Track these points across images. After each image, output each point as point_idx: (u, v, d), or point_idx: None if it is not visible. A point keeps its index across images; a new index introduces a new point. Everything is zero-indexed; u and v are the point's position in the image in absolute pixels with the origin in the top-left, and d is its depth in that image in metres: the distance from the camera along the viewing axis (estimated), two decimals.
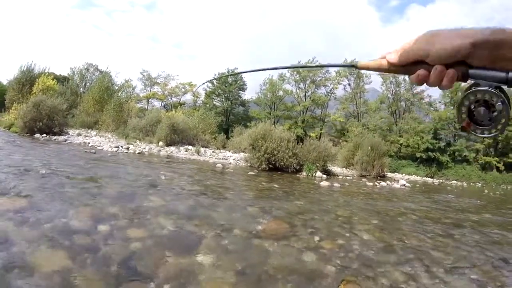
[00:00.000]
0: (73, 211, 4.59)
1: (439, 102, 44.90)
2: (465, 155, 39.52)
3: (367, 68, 0.82)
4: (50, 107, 19.70)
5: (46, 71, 31.91)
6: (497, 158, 39.25)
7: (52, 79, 29.53)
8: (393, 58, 0.76)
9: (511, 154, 39.36)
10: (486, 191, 22.50)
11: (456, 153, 39.72)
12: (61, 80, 35.24)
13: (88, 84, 39.69)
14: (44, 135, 18.51)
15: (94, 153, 13.17)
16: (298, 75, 45.37)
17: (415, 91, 43.19)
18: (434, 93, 45.88)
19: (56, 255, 3.21)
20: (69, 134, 20.48)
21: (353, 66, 0.85)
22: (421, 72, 0.73)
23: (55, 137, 18.28)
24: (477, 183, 33.78)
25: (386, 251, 4.67)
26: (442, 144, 40.03)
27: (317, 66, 1.12)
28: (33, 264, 2.98)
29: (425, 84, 0.73)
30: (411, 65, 0.75)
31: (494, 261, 4.83)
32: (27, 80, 28.96)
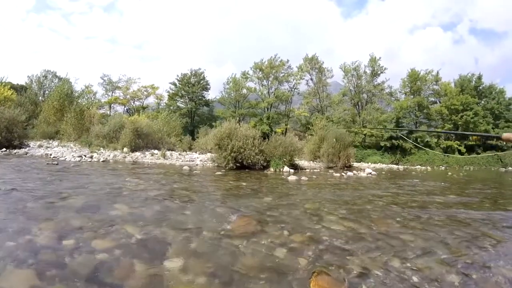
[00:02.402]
0: (36, 227, 4.44)
1: (400, 92, 46.27)
2: (428, 141, 40.89)
3: (508, 140, 0.99)
4: (8, 119, 19.03)
5: (2, 81, 30.74)
6: (458, 142, 40.85)
7: (9, 89, 28.46)
8: None
9: (470, 137, 41.08)
10: (449, 173, 23.31)
11: (419, 140, 41.02)
12: (19, 89, 34.09)
13: (47, 92, 38.60)
14: (4, 149, 17.81)
15: (57, 164, 12.75)
16: (261, 72, 45.52)
17: (376, 83, 44.24)
18: (394, 83, 47.21)
19: (22, 275, 3.10)
20: (29, 146, 19.83)
21: (498, 138, 1.05)
22: None
23: (15, 151, 17.67)
24: (441, 166, 34.96)
25: (356, 239, 4.72)
26: (404, 132, 41.19)
27: (472, 134, 1.10)
28: (0, 286, 2.84)
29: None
30: None
31: (462, 239, 4.98)
32: None
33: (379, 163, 31.99)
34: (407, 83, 44.49)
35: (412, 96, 43.98)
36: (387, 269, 3.65)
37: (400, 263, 3.82)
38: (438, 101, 45.48)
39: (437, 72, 44.56)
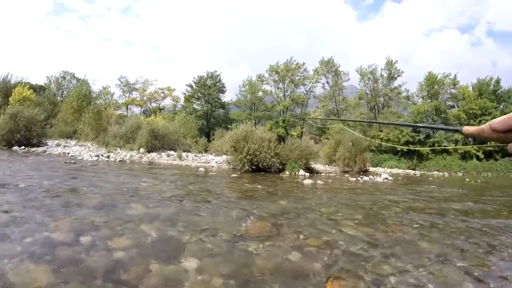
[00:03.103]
0: (54, 224, 4.50)
1: (417, 95, 45.67)
2: (445, 146, 40.24)
3: (471, 135, 0.82)
4: (27, 118, 19.36)
5: (22, 81, 31.35)
6: (476, 147, 40.08)
7: (29, 89, 29.01)
8: (495, 123, 0.74)
9: (489, 143, 40.26)
10: (467, 179, 22.94)
11: (436, 145, 40.43)
12: (38, 89, 34.69)
13: (65, 92, 39.16)
14: (23, 147, 18.21)
15: (74, 163, 12.95)
16: (276, 75, 45.53)
17: (392, 86, 43.82)
18: (411, 87, 46.65)
19: (39, 271, 3.13)
20: (48, 145, 20.16)
21: (457, 131, 0.86)
22: None
23: (33, 149, 17.99)
24: (458, 172, 34.42)
25: (372, 245, 4.68)
26: (421, 136, 40.76)
27: (426, 127, 1.14)
28: (16, 282, 2.91)
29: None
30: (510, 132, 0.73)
31: (479, 247, 4.90)
32: (2, 91, 28.34)
33: (395, 168, 31.64)
34: (424, 86, 43.85)
35: (429, 100, 43.37)
36: (403, 275, 3.61)
37: (416, 270, 3.78)
38: (456, 105, 44.75)
39: (455, 76, 43.74)
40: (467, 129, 0.81)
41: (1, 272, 3.02)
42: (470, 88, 44.47)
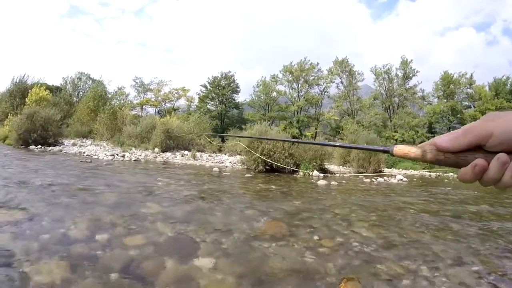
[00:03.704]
0: (70, 221, 4.57)
1: (432, 95, 45.12)
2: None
3: (405, 156, 0.65)
4: (44, 118, 19.65)
5: (39, 82, 31.87)
6: None
7: (45, 90, 29.47)
8: (444, 141, 0.61)
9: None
10: None
11: None
12: (54, 90, 35.21)
13: (81, 93, 39.70)
14: (39, 146, 18.47)
15: (90, 162, 13.13)
16: (290, 75, 45.48)
17: (407, 86, 43.42)
18: (426, 86, 46.13)
19: (55, 266, 3.19)
20: (64, 144, 20.44)
21: (386, 152, 0.69)
22: (479, 162, 0.57)
23: (50, 148, 18.26)
24: None
25: (386, 246, 4.66)
26: None
27: (351, 147, 0.88)
28: (33, 277, 2.97)
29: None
30: (465, 152, 0.59)
31: (495, 251, 4.84)
32: (19, 92, 28.86)
33: (410, 169, 31.30)
34: (440, 86, 43.25)
35: (445, 100, 42.80)
36: (417, 278, 3.58)
37: (430, 273, 3.75)
38: (472, 106, 44.06)
39: (471, 75, 42.92)
40: (400, 150, 0.65)
41: (19, 267, 3.09)
42: (487, 88, 43.62)
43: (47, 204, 5.42)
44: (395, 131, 40.38)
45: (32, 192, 6.26)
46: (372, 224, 6.03)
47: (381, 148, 0.71)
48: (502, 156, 0.55)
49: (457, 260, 4.27)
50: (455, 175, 29.03)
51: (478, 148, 0.58)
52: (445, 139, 0.60)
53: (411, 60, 43.00)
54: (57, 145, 19.55)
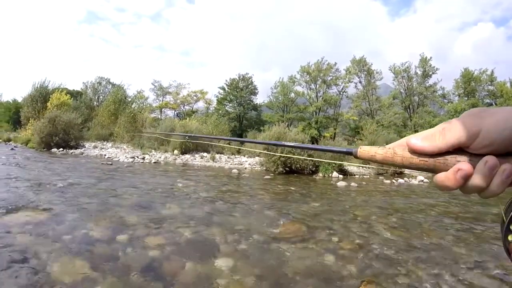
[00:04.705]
0: (92, 222, 4.68)
1: (453, 93, 44.21)
2: None
3: (371, 159, 0.56)
4: (65, 121, 20.09)
5: (60, 87, 32.51)
6: None
7: (66, 94, 30.03)
8: (419, 141, 0.51)
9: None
10: None
11: None
12: (75, 94, 35.90)
13: (101, 97, 40.36)
14: (61, 149, 18.88)
15: (111, 164, 13.34)
16: (308, 76, 45.31)
17: (427, 85, 42.73)
18: (447, 84, 45.27)
19: (77, 266, 3.28)
20: (85, 147, 20.82)
21: (349, 153, 0.60)
22: (463, 166, 0.48)
23: (71, 151, 18.64)
24: None
25: (406, 249, 4.61)
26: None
27: (311, 148, 0.81)
28: (55, 276, 3.04)
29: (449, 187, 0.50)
30: (445, 154, 0.50)
31: None
32: (41, 97, 29.48)
33: None
34: (460, 84, 42.23)
35: (466, 98, 41.92)
36: (438, 281, 3.54)
37: (451, 276, 3.70)
38: (494, 103, 42.99)
39: (492, 71, 41.74)
40: (365, 152, 0.56)
41: (42, 266, 3.17)
42: (508, 85, 42.49)
43: (69, 205, 5.55)
44: (416, 131, 39.63)
45: (55, 194, 6.41)
46: (392, 226, 5.98)
47: (344, 150, 0.63)
48: (491, 159, 0.46)
49: (479, 264, 4.20)
50: None
51: (460, 150, 0.49)
52: (419, 139, 0.51)
53: (430, 58, 42.20)
54: (79, 148, 19.96)
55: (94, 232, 4.28)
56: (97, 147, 21.03)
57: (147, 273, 3.25)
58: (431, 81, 42.96)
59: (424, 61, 42.38)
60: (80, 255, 3.53)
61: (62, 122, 19.88)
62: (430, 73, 42.47)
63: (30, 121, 25.19)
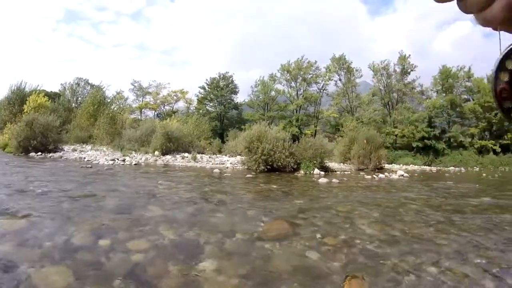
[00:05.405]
0: (73, 227, 4.57)
1: (431, 90, 45.05)
2: (461, 141, 39.72)
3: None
4: (43, 124, 19.70)
5: (37, 89, 31.89)
6: (492, 141, 39.51)
7: (44, 96, 29.47)
8: None
9: (506, 136, 39.71)
10: (484, 174, 22.62)
11: (452, 139, 40.02)
12: (53, 96, 35.23)
13: (80, 99, 39.72)
14: (39, 153, 18.52)
15: (90, 167, 13.15)
16: (288, 74, 45.45)
17: (406, 81, 43.37)
18: (426, 81, 45.96)
19: (59, 274, 3.19)
20: (64, 150, 20.48)
21: None
22: None
23: (50, 155, 18.31)
24: (475, 167, 33.96)
25: (389, 243, 4.66)
26: (437, 131, 40.24)
27: None
28: (38, 285, 2.97)
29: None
30: None
31: (497, 244, 4.85)
32: (18, 99, 28.88)
33: (411, 165, 31.28)
34: (438, 80, 43.13)
35: (444, 94, 42.76)
36: (421, 273, 3.58)
37: (434, 268, 3.74)
38: (471, 99, 43.96)
39: (469, 68, 42.86)
40: None
41: (24, 276, 3.08)
42: (485, 80, 43.59)
43: (49, 211, 5.42)
44: (395, 127, 40.27)
45: (34, 200, 6.26)
46: (375, 221, 6.03)
47: None
48: None
49: (461, 255, 4.27)
50: (456, 169, 29.02)
51: None
52: None
53: (409, 55, 42.83)
54: (57, 151, 19.60)
55: (75, 238, 4.19)
56: (76, 150, 20.71)
57: (131, 278, 3.20)
58: (409, 78, 43.67)
59: (403, 59, 43.00)
60: (62, 262, 3.44)
61: (40, 125, 19.50)
62: (409, 70, 43.15)
63: (7, 125, 24.58)
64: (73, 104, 37.98)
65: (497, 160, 37.45)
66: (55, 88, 43.31)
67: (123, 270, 3.33)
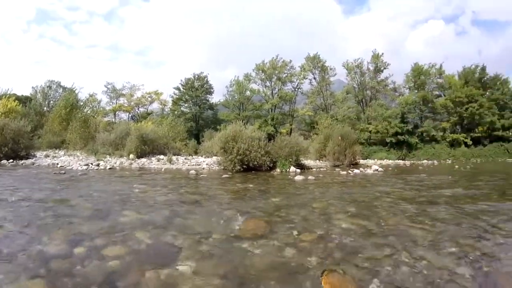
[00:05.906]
0: (47, 236, 4.48)
1: (404, 87, 46.12)
2: (433, 135, 40.77)
3: None
4: (14, 130, 19.19)
5: (7, 93, 31.07)
6: (464, 134, 40.71)
7: (14, 101, 28.71)
8: None
9: (477, 129, 40.96)
10: (456, 166, 23.18)
11: (424, 134, 41.05)
12: (24, 100, 34.42)
13: (52, 102, 38.94)
14: (11, 160, 17.99)
15: (64, 173, 12.85)
16: (263, 74, 45.60)
17: (379, 79, 44.19)
18: (398, 79, 47.00)
19: (35, 285, 3.13)
20: (36, 156, 19.99)
21: None
22: None
23: (22, 161, 17.85)
24: (448, 160, 34.84)
25: (365, 236, 4.72)
26: (410, 126, 41.16)
27: None
28: None
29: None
30: None
31: (471, 232, 4.97)
32: None
33: (385, 160, 31.83)
34: (411, 77, 44.32)
35: (416, 91, 43.81)
36: (398, 264, 3.65)
37: (410, 258, 3.81)
38: (442, 95, 45.18)
39: (441, 65, 44.43)
40: None
41: None
42: (456, 77, 44.94)
43: (21, 220, 5.30)
44: (369, 123, 41.01)
45: (5, 209, 6.10)
46: (351, 215, 6.09)
47: None
48: None
49: (436, 244, 4.37)
50: (429, 162, 29.65)
51: None
52: None
53: (382, 54, 43.78)
54: (29, 158, 19.11)
55: (49, 247, 4.11)
56: (49, 156, 20.23)
57: (108, 285, 3.16)
58: (383, 76, 44.73)
59: (376, 57, 43.89)
60: (36, 273, 3.36)
61: (10, 131, 18.98)
62: (382, 68, 44.13)
63: None
64: (45, 108, 37.22)
65: (468, 152, 38.66)
66: (26, 91, 42.29)
67: (100, 278, 3.28)
